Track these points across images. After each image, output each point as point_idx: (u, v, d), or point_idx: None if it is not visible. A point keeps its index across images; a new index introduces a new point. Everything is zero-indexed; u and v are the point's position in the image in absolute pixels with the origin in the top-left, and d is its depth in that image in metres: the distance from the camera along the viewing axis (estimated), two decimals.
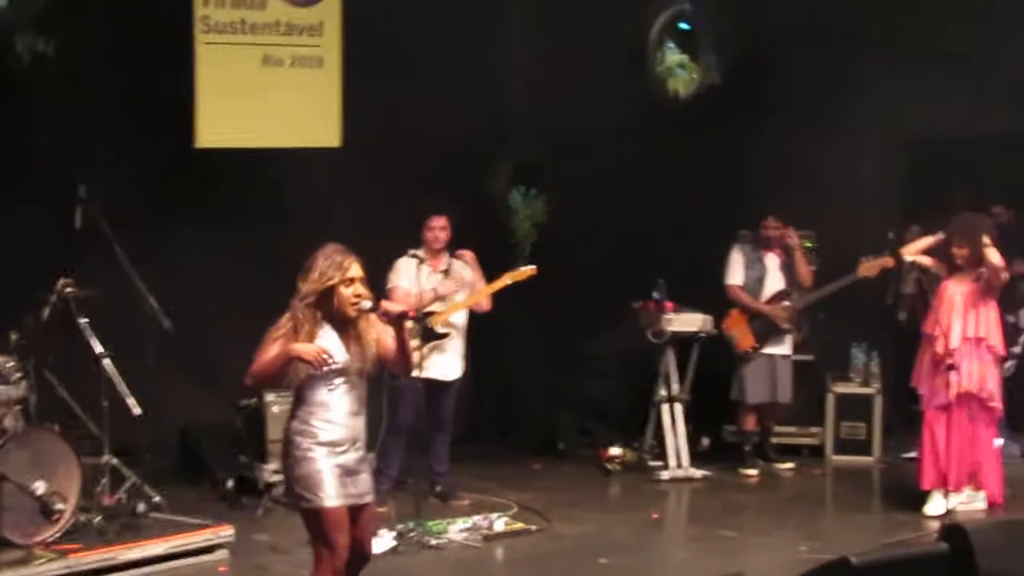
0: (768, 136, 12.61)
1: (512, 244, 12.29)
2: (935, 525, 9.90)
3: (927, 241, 10.85)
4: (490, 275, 10.76)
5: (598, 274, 12.69)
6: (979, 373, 10.29)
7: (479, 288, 10.67)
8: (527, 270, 10.75)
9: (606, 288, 12.58)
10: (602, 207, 12.70)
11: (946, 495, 10.20)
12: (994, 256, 10.28)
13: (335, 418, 6.91)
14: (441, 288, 10.44)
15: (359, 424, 7.00)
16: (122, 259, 9.91)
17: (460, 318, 10.68)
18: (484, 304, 10.74)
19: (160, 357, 10.52)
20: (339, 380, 6.91)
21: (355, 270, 6.97)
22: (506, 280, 10.68)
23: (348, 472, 6.93)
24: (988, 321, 10.36)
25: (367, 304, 6.94)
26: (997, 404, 10.42)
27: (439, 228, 10.60)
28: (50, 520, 8.79)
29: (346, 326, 6.96)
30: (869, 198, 13.26)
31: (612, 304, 12.55)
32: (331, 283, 6.91)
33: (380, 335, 7.03)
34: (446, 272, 10.47)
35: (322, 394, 6.90)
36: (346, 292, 6.92)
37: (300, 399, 6.96)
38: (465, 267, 10.70)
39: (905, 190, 13.55)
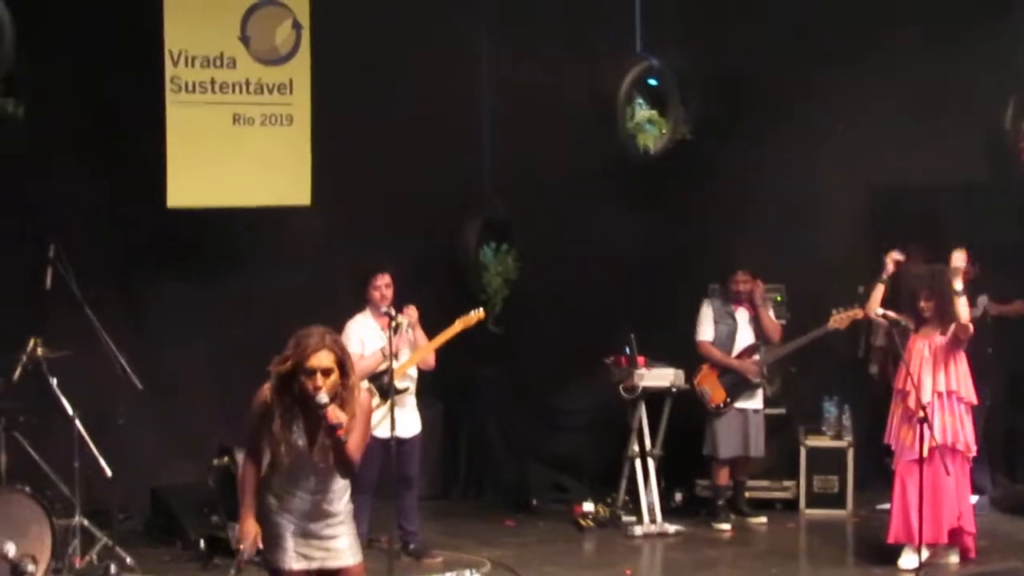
0: (737, 190, 12.66)
1: (483, 300, 12.27)
2: None
3: (879, 291, 10.92)
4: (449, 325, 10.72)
5: (569, 329, 12.72)
6: (952, 426, 10.28)
7: (424, 343, 10.60)
8: (476, 314, 10.74)
9: (577, 343, 12.61)
10: (573, 262, 12.73)
11: (918, 549, 10.18)
12: (963, 309, 10.31)
13: (297, 493, 6.89)
14: (394, 346, 10.30)
15: (322, 500, 6.91)
16: (92, 319, 9.89)
17: (412, 372, 10.63)
18: (430, 360, 10.66)
19: (131, 417, 10.48)
20: (301, 469, 6.86)
21: (317, 359, 6.74)
22: (457, 327, 10.65)
23: (311, 536, 6.91)
24: (958, 374, 10.36)
25: (322, 398, 6.73)
26: (973, 454, 10.44)
27: (384, 286, 10.52)
28: None
29: (314, 415, 6.79)
30: (839, 250, 13.29)
31: (583, 359, 12.55)
32: (285, 369, 6.75)
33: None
34: (396, 329, 10.36)
35: (283, 471, 6.87)
36: (305, 382, 6.75)
37: (268, 463, 6.92)
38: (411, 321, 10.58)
39: (873, 241, 13.58)
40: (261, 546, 6.93)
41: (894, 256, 11.10)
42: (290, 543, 6.87)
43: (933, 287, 10.46)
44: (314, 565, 6.93)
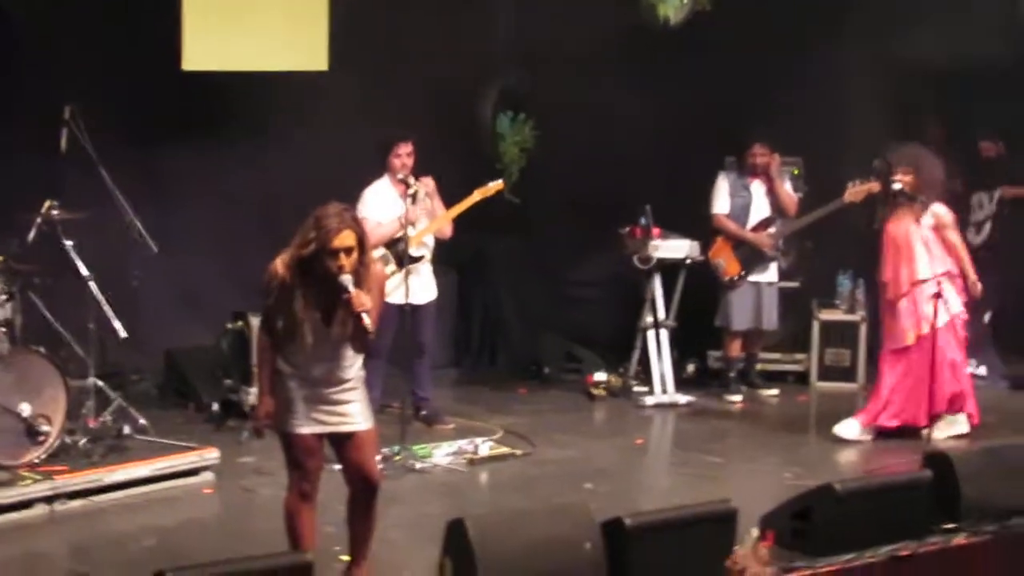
0: (756, 63, 12.56)
1: (499, 170, 12.23)
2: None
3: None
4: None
5: (585, 200, 12.67)
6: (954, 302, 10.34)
7: (442, 212, 10.59)
8: (495, 185, 10.72)
9: (593, 214, 12.57)
10: (589, 133, 12.66)
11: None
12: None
13: (312, 361, 6.90)
14: (411, 214, 10.29)
15: (336, 367, 6.93)
16: (108, 182, 9.88)
17: (429, 241, 10.63)
18: (446, 230, 10.65)
19: (146, 280, 10.53)
20: (320, 344, 6.87)
21: (340, 239, 6.73)
22: (475, 197, 10.63)
23: (324, 401, 6.94)
24: (943, 255, 10.41)
25: (345, 280, 6.72)
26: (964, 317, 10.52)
27: (406, 154, 10.47)
28: (36, 442, 8.80)
29: (334, 292, 6.80)
30: (856, 125, 13.21)
31: (599, 230, 12.54)
32: (309, 251, 6.74)
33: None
34: (414, 197, 10.34)
35: (297, 344, 6.88)
36: (328, 263, 6.74)
37: (285, 338, 6.92)
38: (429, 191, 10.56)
39: (892, 117, 13.50)
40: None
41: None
42: (302, 408, 6.91)
43: (910, 161, 10.46)
44: (327, 430, 6.97)
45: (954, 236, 10.52)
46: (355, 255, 6.79)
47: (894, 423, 10.47)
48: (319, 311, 6.84)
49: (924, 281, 10.28)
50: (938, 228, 10.43)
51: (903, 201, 10.44)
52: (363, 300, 6.77)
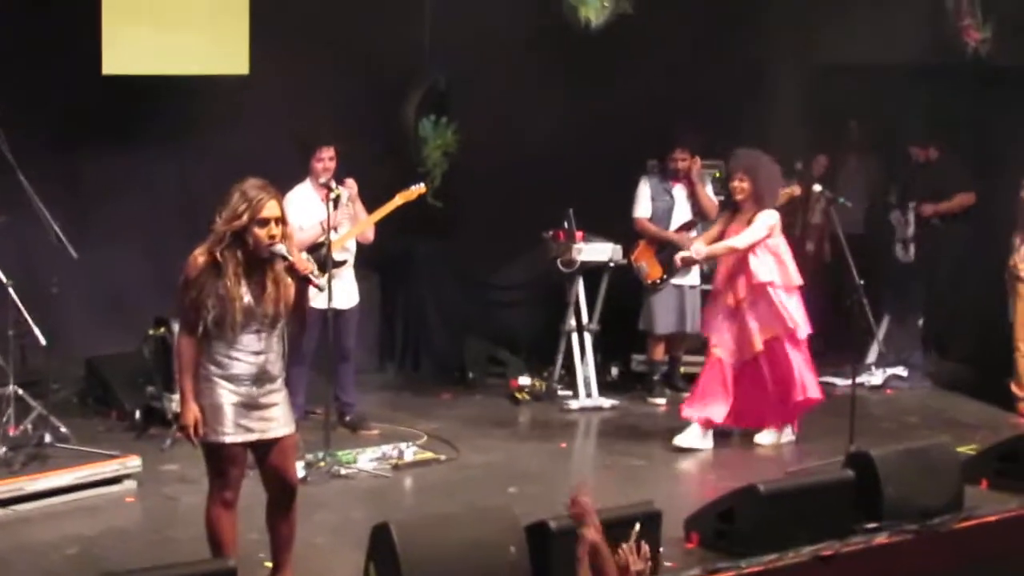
0: (678, 66, 12.63)
1: (422, 174, 12.22)
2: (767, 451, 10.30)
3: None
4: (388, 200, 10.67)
5: (508, 203, 12.68)
6: (774, 314, 10.19)
7: (364, 217, 10.57)
8: (417, 189, 10.70)
9: (515, 217, 12.58)
10: (512, 136, 12.66)
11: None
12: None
13: (239, 356, 6.84)
14: (333, 218, 10.25)
15: (266, 362, 6.90)
16: (26, 186, 9.76)
17: (351, 245, 10.60)
18: (368, 234, 10.63)
19: (66, 286, 10.41)
20: (248, 327, 6.83)
21: (270, 209, 6.77)
22: (397, 201, 10.61)
23: (251, 407, 6.88)
24: (768, 265, 10.21)
25: (280, 248, 6.78)
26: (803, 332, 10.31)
27: (328, 158, 10.45)
28: None
29: (260, 268, 6.81)
30: (778, 127, 13.29)
31: (522, 233, 12.56)
32: (240, 224, 6.74)
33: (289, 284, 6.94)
34: (336, 202, 10.32)
35: (227, 334, 6.82)
36: (260, 232, 6.75)
37: (205, 333, 6.84)
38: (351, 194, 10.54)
39: (813, 119, 13.61)
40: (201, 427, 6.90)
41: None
42: (230, 414, 6.84)
43: (748, 168, 10.26)
44: (252, 437, 6.92)
45: (781, 243, 10.31)
46: (281, 227, 6.81)
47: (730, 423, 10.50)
48: (249, 292, 6.80)
49: (764, 284, 10.17)
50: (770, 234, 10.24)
51: (741, 207, 10.28)
52: (304, 263, 6.81)
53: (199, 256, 6.79)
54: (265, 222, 6.76)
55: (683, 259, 10.59)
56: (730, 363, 10.29)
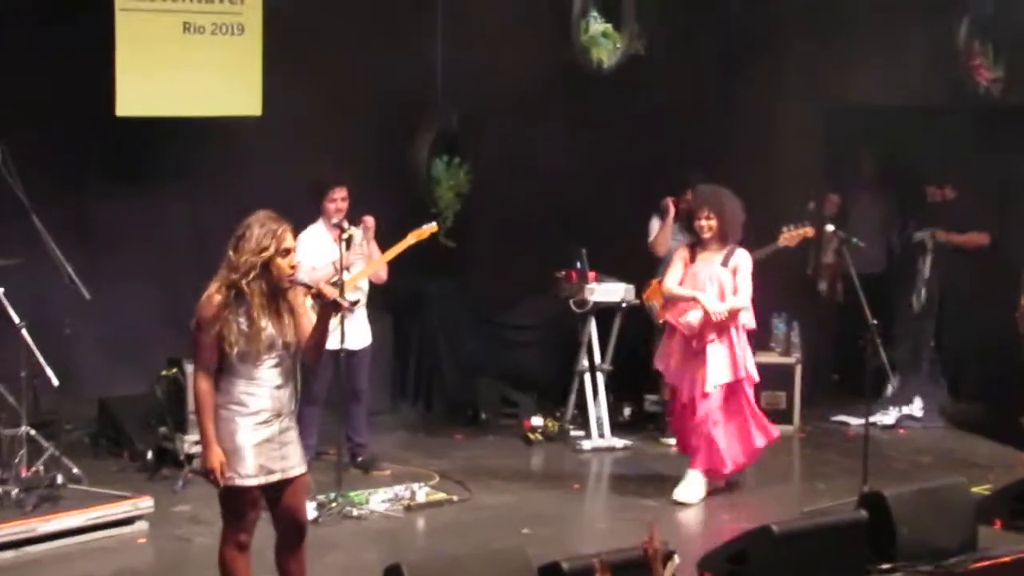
0: (690, 106, 12.64)
1: (434, 214, 12.24)
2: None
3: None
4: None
5: (520, 243, 12.70)
6: (733, 359, 10.10)
7: (377, 256, 10.56)
8: (429, 228, 10.70)
9: (528, 257, 12.60)
10: (524, 176, 12.69)
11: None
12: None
13: (260, 391, 6.84)
14: (346, 258, 10.27)
15: (284, 396, 6.92)
16: (39, 227, 9.78)
17: (364, 285, 10.60)
18: (382, 274, 10.63)
19: (78, 327, 10.42)
20: (268, 356, 6.84)
21: (289, 239, 6.87)
22: (409, 240, 10.60)
23: (270, 446, 6.87)
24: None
25: (303, 277, 6.87)
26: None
27: (340, 199, 10.48)
28: None
29: (279, 298, 6.86)
30: (790, 167, 13.32)
31: (535, 273, 12.55)
32: (268, 255, 6.78)
33: (306, 312, 6.99)
34: (348, 242, 10.35)
35: (248, 368, 6.83)
36: (282, 263, 6.82)
37: (224, 371, 6.85)
38: (367, 234, 10.55)
39: (825, 160, 13.63)
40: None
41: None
42: (252, 457, 6.82)
43: (713, 205, 10.12)
44: (274, 478, 6.90)
45: (745, 281, 10.14)
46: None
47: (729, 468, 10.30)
48: (269, 322, 6.82)
49: (731, 327, 10.07)
50: (735, 272, 10.13)
51: (706, 244, 10.14)
52: (330, 288, 6.98)
53: (215, 295, 6.79)
54: (287, 252, 6.85)
55: (710, 319, 10.08)
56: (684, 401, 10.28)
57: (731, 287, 10.07)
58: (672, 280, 10.26)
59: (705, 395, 10.05)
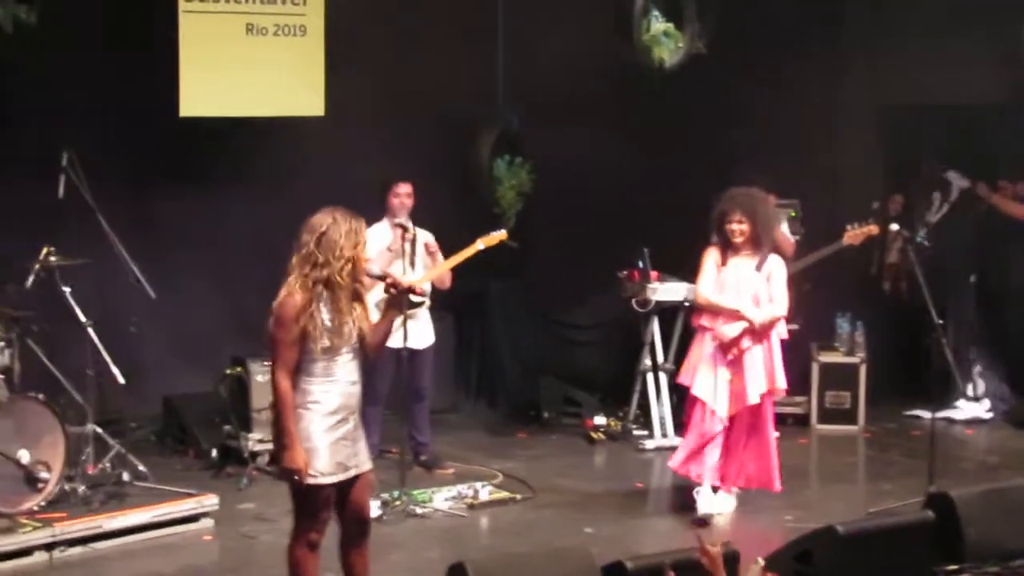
0: (753, 104, 12.61)
1: (496, 214, 12.24)
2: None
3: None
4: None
5: (583, 243, 12.69)
6: (770, 368, 9.68)
7: (442, 262, 10.54)
8: (498, 235, 10.68)
9: (591, 257, 12.59)
10: (586, 176, 12.68)
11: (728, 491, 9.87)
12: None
13: (335, 388, 6.88)
14: (409, 258, 10.29)
15: (357, 392, 6.97)
16: (105, 228, 9.87)
17: (426, 287, 10.61)
18: (446, 279, 10.60)
19: (144, 326, 10.51)
20: (345, 350, 6.88)
21: (365, 235, 7.02)
22: (478, 246, 10.59)
23: (345, 443, 6.91)
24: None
25: (375, 270, 6.95)
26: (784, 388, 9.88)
27: (405, 195, 10.49)
28: (35, 489, 8.80)
29: (344, 297, 6.90)
30: (853, 166, 13.25)
31: (597, 273, 12.55)
32: (359, 250, 6.89)
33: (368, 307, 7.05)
34: (413, 241, 10.37)
35: (326, 364, 6.86)
36: (362, 261, 6.94)
37: (300, 371, 6.88)
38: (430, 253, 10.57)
39: (888, 158, 13.55)
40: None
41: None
42: (328, 455, 6.86)
43: (747, 209, 9.68)
44: (350, 475, 6.95)
45: (781, 289, 9.70)
46: None
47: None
48: (348, 317, 6.90)
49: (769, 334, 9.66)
50: (769, 278, 9.69)
51: (738, 249, 9.69)
52: (401, 279, 7.21)
53: (296, 294, 6.81)
54: (364, 246, 6.98)
55: (750, 328, 9.63)
56: (722, 417, 9.68)
57: (766, 295, 9.67)
58: (706, 286, 9.76)
59: (749, 408, 9.64)
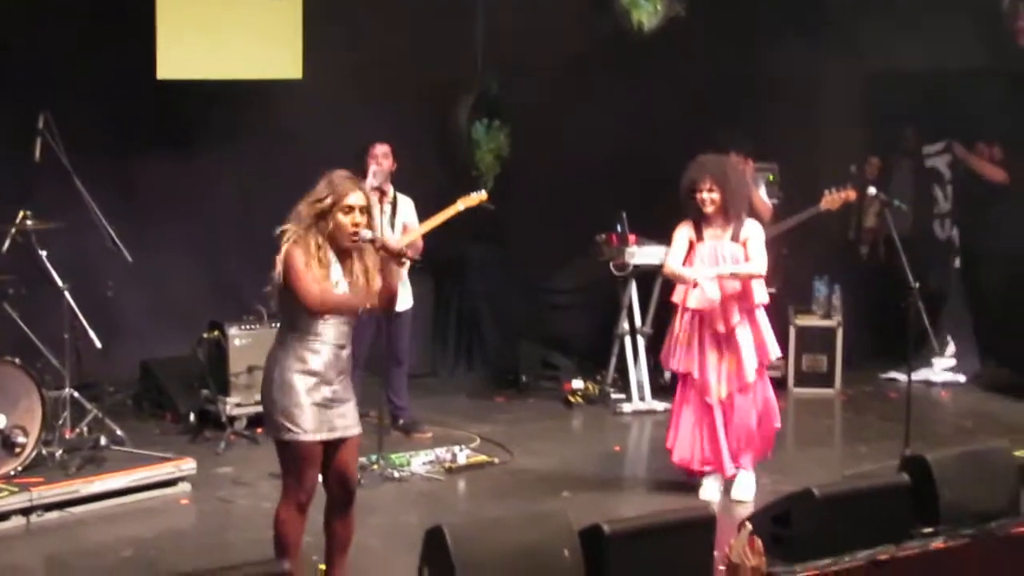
0: (730, 68, 12.60)
1: (475, 177, 12.23)
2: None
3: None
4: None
5: (561, 207, 12.68)
6: (760, 341, 9.29)
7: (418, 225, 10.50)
8: (479, 196, 10.64)
9: (568, 221, 12.58)
10: (565, 139, 12.66)
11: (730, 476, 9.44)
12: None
13: (324, 349, 6.84)
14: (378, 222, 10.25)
15: (345, 356, 6.93)
16: (82, 190, 9.82)
17: (419, 243, 10.56)
18: (418, 243, 10.51)
19: (121, 290, 10.48)
20: (336, 318, 6.86)
21: (354, 198, 6.80)
22: (458, 206, 10.54)
23: (331, 404, 6.88)
24: (759, 283, 9.29)
25: (367, 234, 6.82)
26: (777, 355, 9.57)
27: (382, 155, 10.40)
28: (12, 453, 8.78)
29: (345, 257, 6.87)
30: (832, 130, 13.25)
31: (575, 237, 12.55)
32: (322, 207, 6.78)
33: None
34: (393, 204, 10.33)
35: (316, 324, 6.83)
36: (343, 220, 6.79)
37: (291, 326, 6.86)
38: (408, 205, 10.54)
39: (867, 123, 13.56)
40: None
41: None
42: (313, 413, 6.82)
43: (717, 177, 9.17)
44: (336, 435, 6.91)
45: (759, 250, 9.23)
46: (367, 219, 6.87)
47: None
48: (341, 278, 6.86)
49: (756, 307, 9.29)
50: (746, 243, 9.22)
51: (709, 219, 9.21)
52: (391, 242, 7.04)
53: (293, 248, 6.75)
54: (350, 209, 6.79)
55: (731, 293, 9.20)
56: (715, 401, 9.32)
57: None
58: (674, 259, 9.29)
59: (745, 387, 9.33)
